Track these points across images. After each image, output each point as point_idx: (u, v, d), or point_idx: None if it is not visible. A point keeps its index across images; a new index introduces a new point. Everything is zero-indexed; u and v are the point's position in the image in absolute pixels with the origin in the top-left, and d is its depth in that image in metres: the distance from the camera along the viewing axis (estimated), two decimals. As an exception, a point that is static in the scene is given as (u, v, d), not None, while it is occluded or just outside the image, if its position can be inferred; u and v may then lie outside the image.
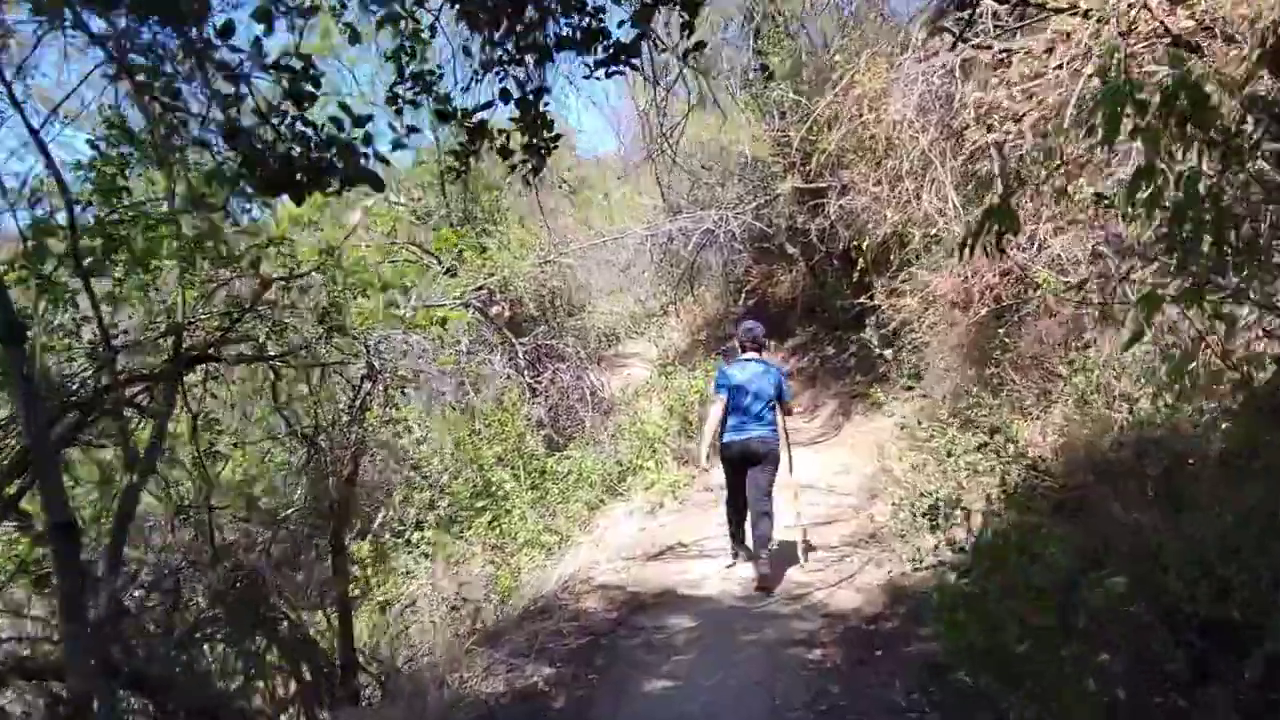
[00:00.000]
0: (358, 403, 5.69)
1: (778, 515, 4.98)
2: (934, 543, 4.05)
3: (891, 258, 9.02)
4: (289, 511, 5.24)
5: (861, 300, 8.92)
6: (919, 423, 6.02)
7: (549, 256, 8.56)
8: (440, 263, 7.75)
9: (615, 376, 15.33)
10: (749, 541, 5.02)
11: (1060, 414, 4.55)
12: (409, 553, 8.64)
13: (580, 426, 8.86)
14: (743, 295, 14.94)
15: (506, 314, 9.78)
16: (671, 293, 12.38)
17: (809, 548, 5.18)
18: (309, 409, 5.47)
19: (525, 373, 8.32)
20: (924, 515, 4.28)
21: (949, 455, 5.06)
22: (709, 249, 10.30)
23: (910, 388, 9.17)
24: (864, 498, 6.26)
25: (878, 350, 10.92)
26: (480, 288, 7.54)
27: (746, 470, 4.94)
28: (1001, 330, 5.66)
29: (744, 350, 5.18)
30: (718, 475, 8.48)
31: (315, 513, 5.54)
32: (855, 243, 12.30)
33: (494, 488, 8.60)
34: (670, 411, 10.20)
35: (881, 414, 9.21)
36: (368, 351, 5.35)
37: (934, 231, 8.21)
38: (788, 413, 5.18)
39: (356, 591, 7.08)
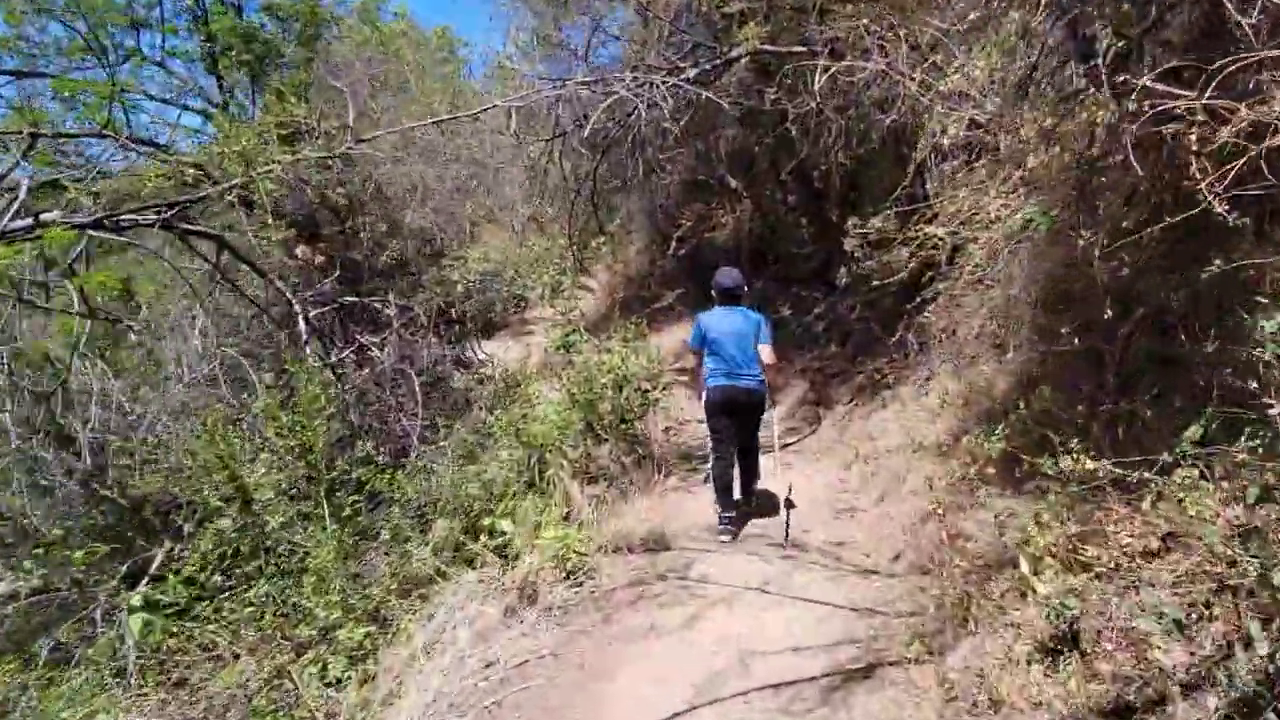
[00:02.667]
0: None
1: None
2: None
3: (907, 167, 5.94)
4: None
5: (878, 227, 5.75)
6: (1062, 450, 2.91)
7: (341, 147, 5.06)
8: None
9: (516, 348, 12.02)
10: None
11: None
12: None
13: (433, 429, 5.55)
14: (673, 244, 11.72)
15: (316, 258, 6.28)
16: (553, 213, 8.73)
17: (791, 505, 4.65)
18: None
19: (308, 347, 4.89)
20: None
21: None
22: (622, 148, 6.84)
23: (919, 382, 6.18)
24: (928, 601, 3.15)
25: (852, 309, 8.06)
26: (190, 196, 4.09)
27: (734, 420, 4.78)
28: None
29: (721, 299, 4.92)
30: (633, 518, 5.35)
31: None
32: (825, 165, 9.29)
33: (272, 539, 5.25)
34: (573, 401, 6.95)
35: (880, 404, 6.20)
36: None
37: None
38: (769, 361, 4.83)
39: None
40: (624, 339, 8.24)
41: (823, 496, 5.07)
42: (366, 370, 5.04)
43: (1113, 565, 2.55)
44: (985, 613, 2.71)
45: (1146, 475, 2.62)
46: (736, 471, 4.92)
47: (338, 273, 5.48)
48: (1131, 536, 2.67)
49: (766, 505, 5.15)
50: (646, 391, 7.92)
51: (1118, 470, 2.55)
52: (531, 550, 4.10)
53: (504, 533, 4.12)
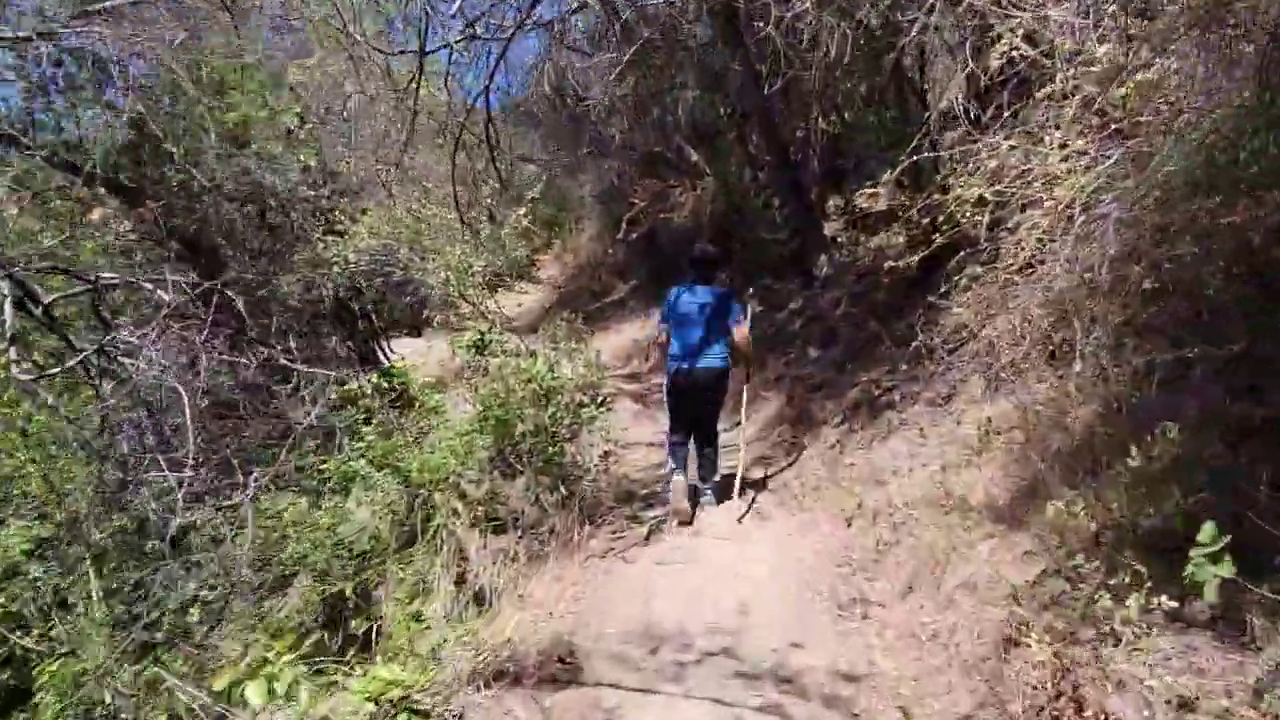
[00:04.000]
0: None
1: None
2: None
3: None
4: None
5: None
6: None
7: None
8: None
9: (442, 347, 10.26)
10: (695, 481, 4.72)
11: None
12: None
13: (228, 471, 3.82)
14: (623, 226, 10.09)
15: (123, 223, 4.50)
16: (431, 164, 6.74)
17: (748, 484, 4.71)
18: None
19: (14, 348, 3.12)
20: None
21: None
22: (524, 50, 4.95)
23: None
24: None
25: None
26: None
27: (694, 401, 4.58)
28: None
29: (694, 271, 4.65)
30: (538, 606, 3.64)
31: None
32: (805, 127, 7.82)
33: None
34: (483, 420, 5.30)
35: (885, 429, 4.62)
36: None
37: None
38: (741, 341, 4.57)
39: None
40: (554, 338, 6.60)
41: (815, 573, 3.46)
42: (112, 385, 3.31)
43: None
44: None
45: None
46: (694, 460, 4.73)
47: (65, 235, 3.70)
48: None
49: (723, 575, 3.55)
50: (582, 406, 6.29)
51: None
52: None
53: (248, 705, 2.42)
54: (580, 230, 14.57)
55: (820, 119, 7.78)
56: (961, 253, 4.11)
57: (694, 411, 4.63)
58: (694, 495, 4.62)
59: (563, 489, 4.87)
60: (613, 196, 11.48)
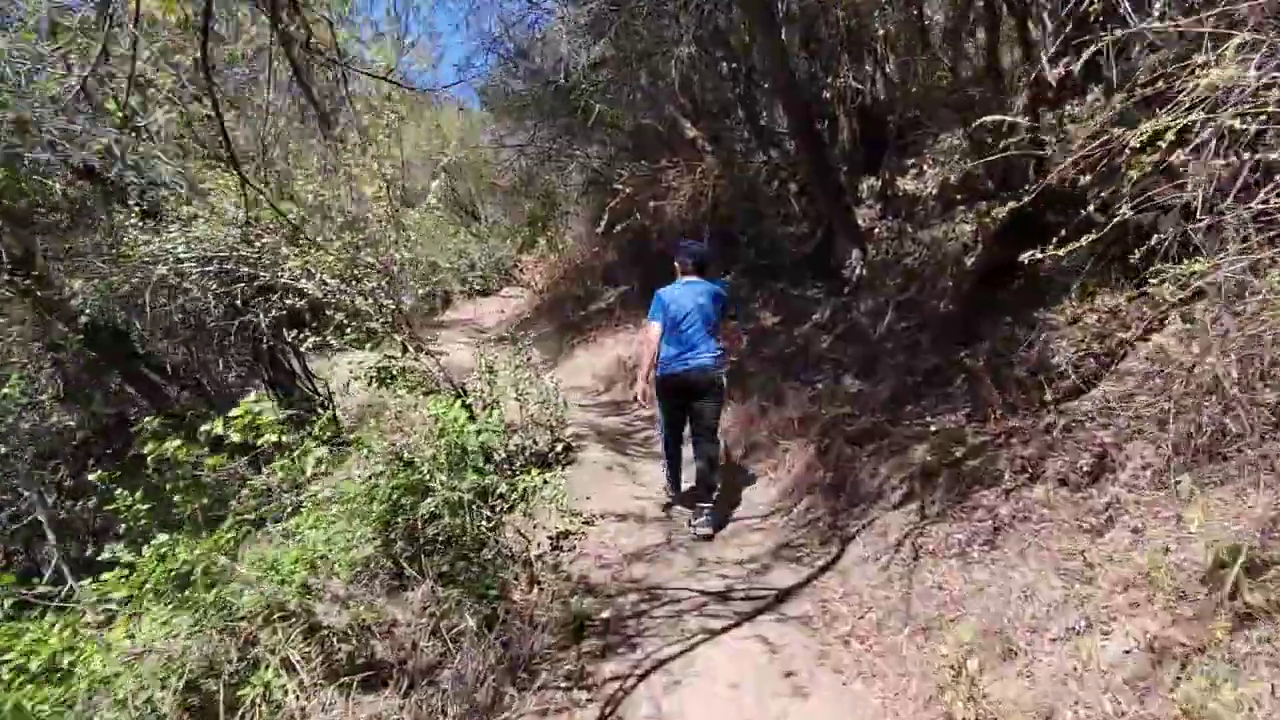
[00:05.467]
0: None
1: None
2: None
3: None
4: None
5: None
6: None
7: None
8: None
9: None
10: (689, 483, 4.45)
11: None
12: None
13: None
14: (605, 219, 8.33)
15: None
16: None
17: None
18: None
19: None
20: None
21: None
22: None
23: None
24: None
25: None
26: None
27: (688, 403, 4.27)
28: None
29: (685, 272, 4.39)
30: None
31: None
32: (834, 88, 6.14)
33: None
34: (369, 496, 3.58)
35: (987, 525, 2.83)
36: None
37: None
38: (728, 333, 4.40)
39: None
40: (489, 370, 4.80)
41: None
42: None
43: None
44: None
45: None
46: (692, 458, 4.36)
47: None
48: None
49: None
50: (526, 467, 4.56)
51: None
52: None
53: None
54: (566, 227, 12.82)
55: (852, 75, 6.01)
56: (1157, 236, 2.32)
57: (689, 416, 4.28)
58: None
59: (472, 617, 3.10)
60: (599, 186, 9.75)
